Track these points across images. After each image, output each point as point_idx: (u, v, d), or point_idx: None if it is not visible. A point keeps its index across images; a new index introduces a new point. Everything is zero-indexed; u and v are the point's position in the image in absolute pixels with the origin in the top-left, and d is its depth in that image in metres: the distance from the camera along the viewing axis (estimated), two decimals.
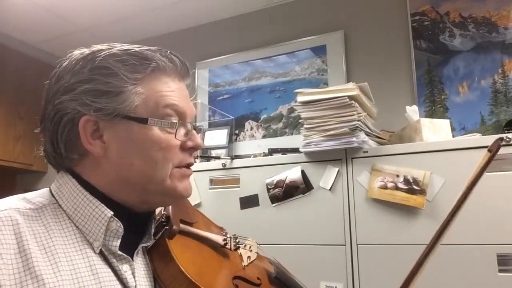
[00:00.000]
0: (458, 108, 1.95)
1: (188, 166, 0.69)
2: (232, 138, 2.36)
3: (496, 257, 1.28)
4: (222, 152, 2.24)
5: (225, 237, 0.77)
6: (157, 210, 0.73)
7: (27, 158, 2.89)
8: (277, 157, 1.78)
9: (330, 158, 1.59)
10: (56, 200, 0.63)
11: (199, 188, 1.81)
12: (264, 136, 2.39)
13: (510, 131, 1.54)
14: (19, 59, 2.89)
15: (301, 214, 1.59)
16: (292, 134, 2.30)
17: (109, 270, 0.60)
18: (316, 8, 2.39)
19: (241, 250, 0.81)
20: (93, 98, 0.62)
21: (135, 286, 0.62)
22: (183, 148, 0.67)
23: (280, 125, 2.36)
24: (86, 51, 0.66)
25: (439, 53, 2.04)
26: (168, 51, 0.68)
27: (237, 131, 2.45)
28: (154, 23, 2.71)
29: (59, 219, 0.60)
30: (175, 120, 0.65)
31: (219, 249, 0.75)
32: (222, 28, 2.67)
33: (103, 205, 0.61)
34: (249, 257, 0.81)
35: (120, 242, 0.62)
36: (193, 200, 1.80)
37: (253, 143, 2.40)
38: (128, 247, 0.64)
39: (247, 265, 0.79)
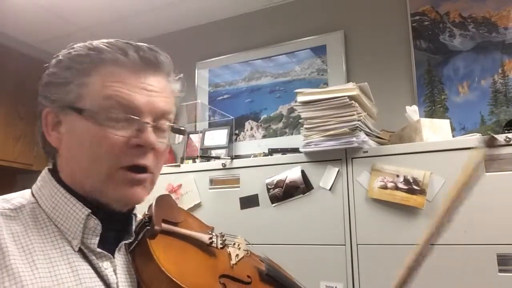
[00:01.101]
0: (458, 108, 1.95)
1: (137, 169, 0.62)
2: (232, 138, 2.36)
3: (496, 257, 1.28)
4: (222, 152, 2.24)
5: (211, 236, 0.75)
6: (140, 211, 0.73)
7: (27, 158, 2.88)
8: (277, 157, 1.77)
9: (330, 158, 1.59)
10: (36, 200, 0.63)
11: (199, 188, 1.81)
12: (264, 136, 2.39)
13: (510, 131, 1.54)
14: (19, 59, 2.89)
15: (301, 214, 1.59)
16: (292, 134, 2.30)
17: (89, 267, 0.60)
18: (316, 8, 2.39)
19: (229, 249, 0.79)
20: (50, 90, 0.64)
21: (116, 282, 0.62)
22: (130, 146, 0.61)
23: (280, 125, 2.36)
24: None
25: (439, 53, 2.04)
26: (135, 44, 0.65)
27: (237, 131, 2.45)
28: (154, 23, 2.71)
29: (38, 218, 0.61)
30: (117, 113, 0.60)
31: (206, 248, 0.73)
32: (222, 28, 2.67)
33: (80, 203, 0.61)
34: (237, 255, 0.80)
35: (100, 240, 0.62)
36: (193, 200, 1.80)
37: (253, 143, 2.40)
38: (109, 245, 0.63)
39: (236, 264, 0.77)
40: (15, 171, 2.98)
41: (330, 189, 1.56)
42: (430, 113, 1.99)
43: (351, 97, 1.53)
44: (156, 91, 0.64)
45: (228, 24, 2.65)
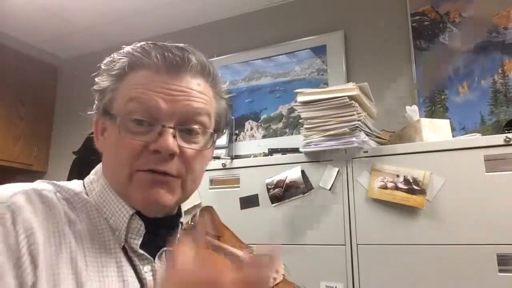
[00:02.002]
0: (458, 108, 1.95)
1: (156, 171, 0.60)
2: (232, 138, 2.36)
3: (496, 257, 1.28)
4: (222, 152, 2.24)
5: (252, 255, 0.74)
6: (185, 220, 0.72)
7: (27, 158, 2.89)
8: (277, 157, 1.78)
9: (330, 158, 1.59)
10: (87, 192, 0.64)
11: (199, 188, 1.80)
12: (264, 136, 2.39)
13: (510, 131, 1.54)
14: (19, 59, 2.90)
15: (301, 214, 1.59)
16: (292, 134, 2.30)
17: (130, 267, 0.60)
18: (316, 8, 2.39)
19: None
20: (95, 97, 0.66)
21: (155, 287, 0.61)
22: (149, 151, 0.59)
23: (280, 125, 2.36)
24: None
25: (439, 53, 2.04)
26: (162, 45, 0.65)
27: (237, 131, 2.45)
28: (154, 23, 2.71)
29: (88, 210, 0.62)
30: (139, 116, 0.60)
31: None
32: (222, 28, 2.67)
33: (127, 204, 0.62)
34: (274, 278, 0.78)
35: (144, 243, 0.62)
36: (193, 200, 1.79)
37: (253, 143, 2.40)
38: (152, 249, 0.63)
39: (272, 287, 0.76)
40: (15, 171, 2.99)
41: (330, 189, 1.56)
42: (430, 113, 1.99)
43: (351, 97, 1.53)
44: (182, 91, 0.61)
45: (228, 24, 2.65)
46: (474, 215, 1.32)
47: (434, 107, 2.00)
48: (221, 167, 1.80)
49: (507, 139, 1.33)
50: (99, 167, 0.68)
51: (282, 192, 1.63)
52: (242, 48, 2.54)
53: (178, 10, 2.57)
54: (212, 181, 1.81)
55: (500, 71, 1.90)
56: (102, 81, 0.65)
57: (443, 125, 1.60)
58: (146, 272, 0.61)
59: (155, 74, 0.61)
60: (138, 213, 0.62)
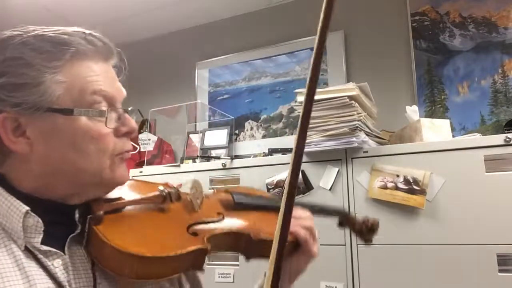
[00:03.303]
0: (458, 108, 1.95)
1: (127, 152, 0.65)
2: (232, 138, 2.36)
3: (496, 257, 1.28)
4: (222, 152, 2.24)
5: (161, 192, 0.68)
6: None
7: None
8: (277, 157, 1.77)
9: (330, 158, 1.59)
10: None
11: None
12: (264, 136, 2.39)
13: (510, 131, 1.54)
14: None
15: None
16: (292, 134, 2.30)
17: (38, 266, 0.56)
18: (316, 8, 2.36)
19: (189, 196, 0.73)
20: (8, 92, 0.57)
21: (69, 280, 0.58)
22: (118, 134, 0.63)
23: (280, 125, 2.36)
24: None
25: (439, 53, 2.04)
26: (88, 32, 0.63)
27: (237, 131, 2.45)
28: (154, 23, 2.71)
29: None
30: (104, 107, 0.61)
31: (162, 207, 0.67)
32: (222, 28, 2.67)
33: (18, 201, 0.57)
34: (197, 198, 0.73)
35: (49, 237, 0.58)
36: None
37: (253, 143, 2.40)
38: (59, 241, 0.59)
39: (200, 208, 0.72)
40: None
41: (330, 189, 1.56)
42: (430, 113, 1.99)
43: (351, 97, 1.53)
44: (115, 77, 0.66)
45: (228, 24, 2.65)
46: (474, 215, 1.32)
47: (434, 107, 2.00)
48: (221, 167, 1.80)
49: (507, 139, 1.33)
50: None
51: (282, 192, 1.63)
52: (242, 48, 2.54)
53: (178, 10, 2.57)
54: (212, 181, 1.81)
55: (500, 71, 1.90)
56: (26, 72, 0.57)
57: (443, 125, 1.60)
58: (56, 267, 0.58)
59: (101, 64, 0.64)
60: (33, 209, 0.57)
